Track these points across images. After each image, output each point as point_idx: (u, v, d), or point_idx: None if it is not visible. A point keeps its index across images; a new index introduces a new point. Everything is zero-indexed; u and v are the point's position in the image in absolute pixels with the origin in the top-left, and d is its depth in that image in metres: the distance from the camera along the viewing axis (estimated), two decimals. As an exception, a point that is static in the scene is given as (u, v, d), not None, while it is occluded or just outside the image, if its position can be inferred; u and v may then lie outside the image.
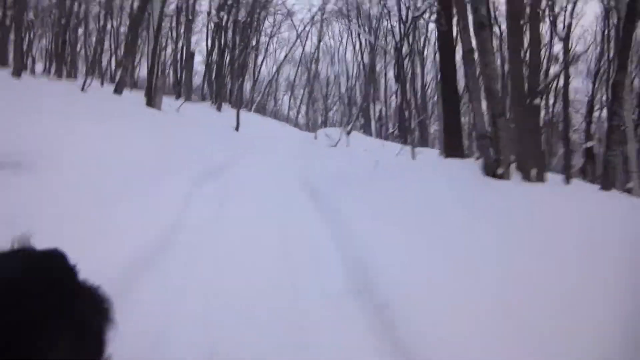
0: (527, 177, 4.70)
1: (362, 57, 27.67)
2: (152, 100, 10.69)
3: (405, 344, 2.13)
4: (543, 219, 2.91)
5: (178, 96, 19.19)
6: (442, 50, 9.13)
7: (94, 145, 4.36)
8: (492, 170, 4.49)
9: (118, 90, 12.52)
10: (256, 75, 30.58)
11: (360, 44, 28.22)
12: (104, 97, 10.07)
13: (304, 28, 28.88)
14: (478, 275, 2.41)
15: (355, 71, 31.36)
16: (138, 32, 14.94)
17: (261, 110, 30.05)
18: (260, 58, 30.94)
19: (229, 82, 21.87)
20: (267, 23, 29.06)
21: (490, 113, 4.76)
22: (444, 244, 2.84)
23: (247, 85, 29.59)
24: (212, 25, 23.27)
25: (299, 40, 28.99)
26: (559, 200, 3.36)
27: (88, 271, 0.68)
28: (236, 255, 3.14)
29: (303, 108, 37.41)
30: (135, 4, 16.99)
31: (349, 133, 12.37)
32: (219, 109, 18.31)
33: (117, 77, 13.44)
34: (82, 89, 9.99)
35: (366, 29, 28.08)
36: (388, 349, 2.15)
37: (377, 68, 27.54)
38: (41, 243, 0.63)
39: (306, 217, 4.48)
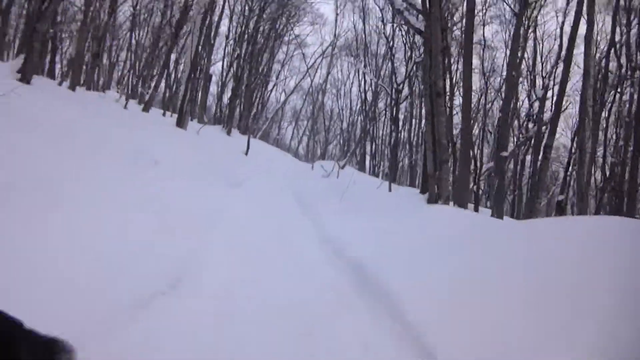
0: (462, 207, 6.74)
1: (364, 95, 29.37)
2: (181, 122, 12.74)
3: (340, 253, 4.20)
4: (440, 219, 4.96)
5: (192, 116, 21.21)
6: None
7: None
8: (433, 201, 6.54)
9: (146, 108, 14.61)
10: (265, 102, 32.36)
11: (365, 81, 29.86)
12: (141, 115, 12.15)
13: (315, 61, 31.45)
14: (383, 236, 4.51)
15: (358, 107, 32.97)
16: (170, 58, 17.22)
17: (265, 137, 31.77)
18: (270, 85, 32.73)
19: (239, 107, 24.03)
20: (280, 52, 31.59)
21: (438, 160, 6.82)
22: (372, 223, 5.02)
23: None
24: (230, 50, 25.52)
25: (308, 72, 31.24)
26: (457, 215, 5.40)
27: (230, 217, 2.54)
28: (257, 222, 5.33)
29: (305, 139, 39.80)
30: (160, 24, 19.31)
31: (342, 167, 14.34)
32: (229, 133, 20.41)
33: (147, 95, 15.56)
34: (125, 107, 12.01)
35: (371, 67, 29.77)
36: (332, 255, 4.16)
37: (380, 105, 29.10)
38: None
39: (295, 212, 6.78)
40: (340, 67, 36.24)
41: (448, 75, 11.31)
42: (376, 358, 2.36)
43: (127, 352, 1.97)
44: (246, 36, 24.15)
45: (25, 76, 7.55)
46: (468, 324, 2.42)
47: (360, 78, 30.69)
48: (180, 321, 2.42)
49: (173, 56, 19.96)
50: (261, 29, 26.30)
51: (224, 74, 26.55)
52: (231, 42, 25.81)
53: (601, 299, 2.13)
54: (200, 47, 15.63)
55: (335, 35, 30.48)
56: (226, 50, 26.48)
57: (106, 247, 3.06)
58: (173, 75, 23.08)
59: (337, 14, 31.92)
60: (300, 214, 6.80)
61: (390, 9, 14.30)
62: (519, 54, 15.00)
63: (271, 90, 33.50)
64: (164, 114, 16.45)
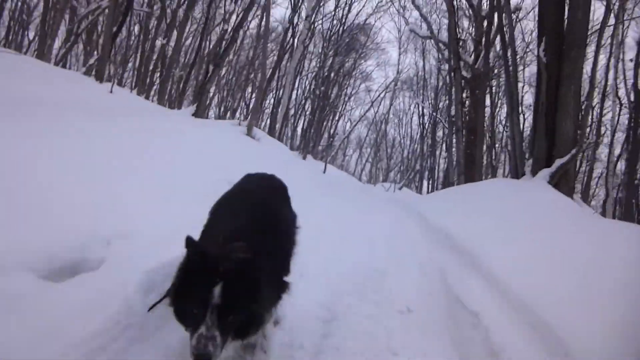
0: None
1: (422, 125, 33.09)
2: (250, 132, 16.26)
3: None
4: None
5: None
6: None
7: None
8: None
9: (197, 114, 16.81)
10: (333, 132, 37.00)
11: (423, 113, 33.70)
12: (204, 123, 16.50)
13: (379, 94, 35.80)
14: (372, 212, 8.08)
15: (417, 135, 36.50)
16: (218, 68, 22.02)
17: (332, 162, 36.30)
18: (337, 115, 37.35)
19: (314, 136, 28.54)
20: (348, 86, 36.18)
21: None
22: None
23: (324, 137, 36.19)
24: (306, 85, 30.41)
25: (372, 104, 35.65)
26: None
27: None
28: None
29: (367, 165, 43.83)
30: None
31: (400, 188, 18.09)
32: (304, 158, 24.80)
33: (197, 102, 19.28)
34: (194, 114, 16.03)
35: (430, 101, 33.53)
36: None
37: (438, 134, 32.35)
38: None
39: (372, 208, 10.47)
40: (402, 99, 40.39)
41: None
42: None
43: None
44: (321, 75, 28.89)
45: (197, 116, 12.28)
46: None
47: (419, 110, 34.49)
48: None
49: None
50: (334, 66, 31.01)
51: (297, 106, 31.36)
52: (305, 78, 30.74)
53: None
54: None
55: (398, 71, 34.52)
56: (302, 86, 31.41)
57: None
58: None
59: (399, 53, 36.07)
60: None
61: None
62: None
63: (338, 120, 38.09)
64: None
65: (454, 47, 13.65)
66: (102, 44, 10.89)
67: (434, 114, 30.32)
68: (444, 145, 29.28)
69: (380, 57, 36.77)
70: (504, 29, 9.97)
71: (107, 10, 11.54)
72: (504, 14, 10.71)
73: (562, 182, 6.87)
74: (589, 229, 4.61)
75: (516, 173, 7.98)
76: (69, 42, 13.19)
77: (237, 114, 30.79)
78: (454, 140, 15.06)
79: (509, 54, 9.33)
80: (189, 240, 1.68)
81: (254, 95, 25.96)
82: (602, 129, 20.44)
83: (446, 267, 4.43)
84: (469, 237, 4.97)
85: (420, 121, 34.11)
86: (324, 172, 18.93)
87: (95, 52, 13.74)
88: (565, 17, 7.37)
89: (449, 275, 4.17)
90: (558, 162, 6.85)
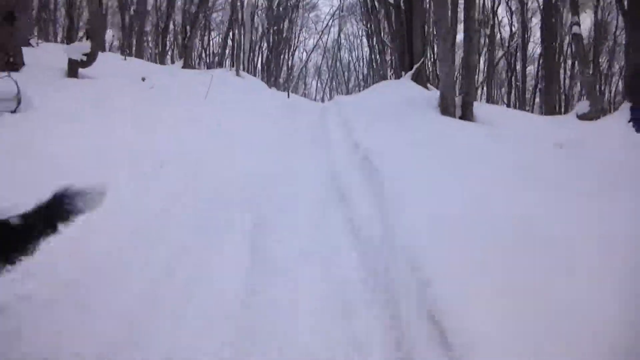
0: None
1: (370, 47, 37.73)
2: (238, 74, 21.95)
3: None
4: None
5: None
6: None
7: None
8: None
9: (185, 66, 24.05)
10: (290, 63, 41.43)
11: (369, 36, 38.15)
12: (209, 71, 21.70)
13: (326, 24, 40.00)
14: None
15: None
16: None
17: (295, 91, 41.12)
18: (292, 47, 41.56)
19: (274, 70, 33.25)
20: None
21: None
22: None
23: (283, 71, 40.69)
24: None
25: (322, 31, 39.98)
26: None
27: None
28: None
29: (327, 90, 48.73)
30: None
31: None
32: (270, 88, 29.82)
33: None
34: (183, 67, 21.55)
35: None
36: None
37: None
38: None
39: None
40: (351, 24, 44.44)
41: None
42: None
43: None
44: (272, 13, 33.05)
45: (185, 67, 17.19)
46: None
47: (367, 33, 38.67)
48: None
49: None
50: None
51: (253, 44, 35.57)
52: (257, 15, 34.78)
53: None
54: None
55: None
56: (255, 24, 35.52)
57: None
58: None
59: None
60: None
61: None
62: None
63: (294, 52, 42.39)
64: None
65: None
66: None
67: (381, 36, 35.02)
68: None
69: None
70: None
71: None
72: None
73: (419, 79, 12.44)
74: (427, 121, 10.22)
75: (398, 77, 13.56)
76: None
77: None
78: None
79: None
80: None
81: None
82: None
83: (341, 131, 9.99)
84: (357, 119, 10.48)
85: (369, 43, 38.71)
86: (288, 97, 24.19)
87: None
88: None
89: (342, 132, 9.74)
90: (414, 67, 12.40)
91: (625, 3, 9.19)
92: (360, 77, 45.94)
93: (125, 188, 3.88)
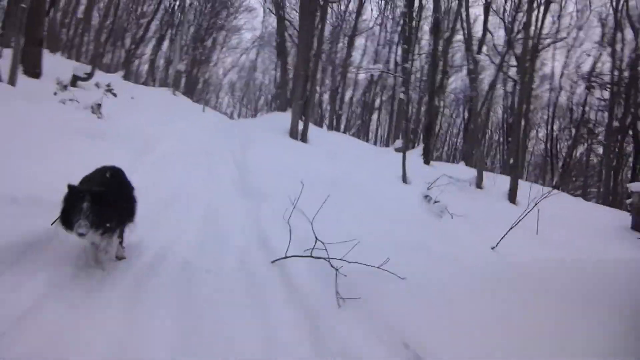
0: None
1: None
2: (174, 93, 27.98)
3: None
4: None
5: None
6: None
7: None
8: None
9: (125, 77, 29.61)
10: (206, 77, 47.31)
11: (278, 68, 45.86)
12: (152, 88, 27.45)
13: (246, 49, 46.84)
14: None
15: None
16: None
17: (206, 103, 47.04)
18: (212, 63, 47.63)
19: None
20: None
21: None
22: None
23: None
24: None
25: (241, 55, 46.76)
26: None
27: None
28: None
29: (238, 106, 55.12)
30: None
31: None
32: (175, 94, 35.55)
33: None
34: (124, 77, 27.21)
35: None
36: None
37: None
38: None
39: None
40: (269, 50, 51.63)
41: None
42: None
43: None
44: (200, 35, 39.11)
45: (125, 79, 22.84)
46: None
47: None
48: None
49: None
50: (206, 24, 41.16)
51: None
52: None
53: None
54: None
55: (262, 30, 45.71)
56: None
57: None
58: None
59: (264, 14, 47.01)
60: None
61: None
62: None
63: (213, 67, 48.36)
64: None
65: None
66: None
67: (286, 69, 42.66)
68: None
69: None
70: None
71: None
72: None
73: (306, 110, 19.67)
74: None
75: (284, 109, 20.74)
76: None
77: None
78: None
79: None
80: (69, 185, 3.46)
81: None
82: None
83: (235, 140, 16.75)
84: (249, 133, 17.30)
85: (275, 73, 46.10)
86: (203, 110, 30.27)
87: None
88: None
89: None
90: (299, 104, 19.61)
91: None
92: (270, 97, 52.87)
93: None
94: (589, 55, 28.76)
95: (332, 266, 4.20)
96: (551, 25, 25.32)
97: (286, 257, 4.62)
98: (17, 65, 10.97)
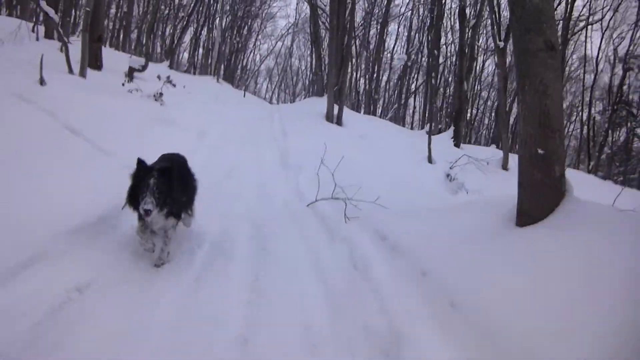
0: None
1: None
2: (218, 80, 29.87)
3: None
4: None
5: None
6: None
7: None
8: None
9: (171, 66, 31.52)
10: (243, 64, 49.24)
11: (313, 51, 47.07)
12: (199, 77, 29.37)
13: (282, 35, 48.31)
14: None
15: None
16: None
17: (246, 89, 48.96)
18: (249, 51, 49.45)
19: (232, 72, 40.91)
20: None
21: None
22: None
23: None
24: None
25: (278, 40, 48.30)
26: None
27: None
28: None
29: (276, 91, 56.81)
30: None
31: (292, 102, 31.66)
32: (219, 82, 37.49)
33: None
34: (169, 66, 29.20)
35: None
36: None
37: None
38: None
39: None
40: (304, 36, 52.85)
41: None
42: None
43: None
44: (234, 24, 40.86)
45: (171, 67, 24.80)
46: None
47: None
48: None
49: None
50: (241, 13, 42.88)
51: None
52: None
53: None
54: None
55: (295, 16, 47.00)
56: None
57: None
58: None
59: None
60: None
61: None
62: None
63: (250, 55, 50.24)
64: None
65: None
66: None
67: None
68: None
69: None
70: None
71: None
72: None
73: (340, 95, 21.11)
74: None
75: (321, 95, 22.19)
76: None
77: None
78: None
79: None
80: (138, 159, 3.54)
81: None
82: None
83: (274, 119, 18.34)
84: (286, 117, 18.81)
85: (311, 59, 47.35)
86: (244, 96, 32.10)
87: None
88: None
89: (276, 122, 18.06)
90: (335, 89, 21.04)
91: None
92: (307, 82, 54.13)
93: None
94: (623, 38, 28.57)
95: (343, 201, 6.50)
96: (584, 6, 25.40)
97: (316, 201, 6.85)
98: (86, 60, 12.84)
